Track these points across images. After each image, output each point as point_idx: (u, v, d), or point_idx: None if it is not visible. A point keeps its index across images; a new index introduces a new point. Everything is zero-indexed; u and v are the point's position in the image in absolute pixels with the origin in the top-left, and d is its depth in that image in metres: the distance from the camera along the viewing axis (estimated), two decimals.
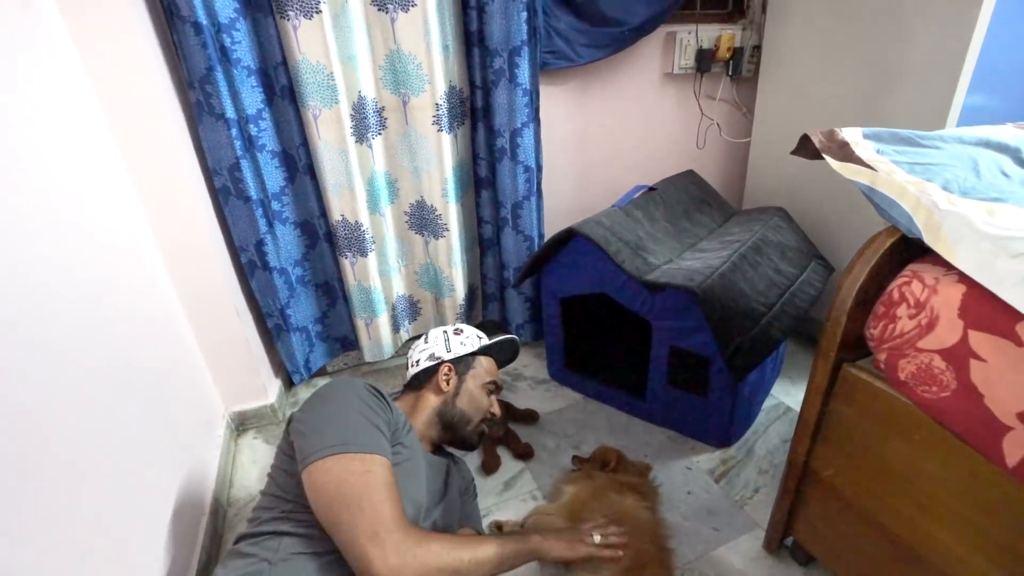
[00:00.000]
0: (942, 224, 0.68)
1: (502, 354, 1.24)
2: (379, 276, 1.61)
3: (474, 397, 1.10)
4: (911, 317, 0.70)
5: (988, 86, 1.20)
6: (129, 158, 1.17)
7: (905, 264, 0.75)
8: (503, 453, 1.35)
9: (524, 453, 1.33)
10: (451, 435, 1.09)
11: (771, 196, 1.71)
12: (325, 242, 1.56)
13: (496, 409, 1.14)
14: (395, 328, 1.73)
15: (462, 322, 1.74)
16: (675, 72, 1.68)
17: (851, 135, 0.82)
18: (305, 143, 1.41)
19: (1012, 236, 0.62)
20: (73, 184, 0.94)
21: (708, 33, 1.64)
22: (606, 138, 1.74)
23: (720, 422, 1.27)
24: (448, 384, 1.10)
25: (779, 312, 1.19)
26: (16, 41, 0.87)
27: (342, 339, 1.73)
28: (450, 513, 1.00)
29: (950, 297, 0.66)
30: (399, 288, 1.70)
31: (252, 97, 1.32)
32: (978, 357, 0.63)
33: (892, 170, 0.76)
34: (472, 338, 1.20)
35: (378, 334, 1.67)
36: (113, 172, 1.13)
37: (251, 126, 1.33)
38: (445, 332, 1.20)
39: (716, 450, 1.31)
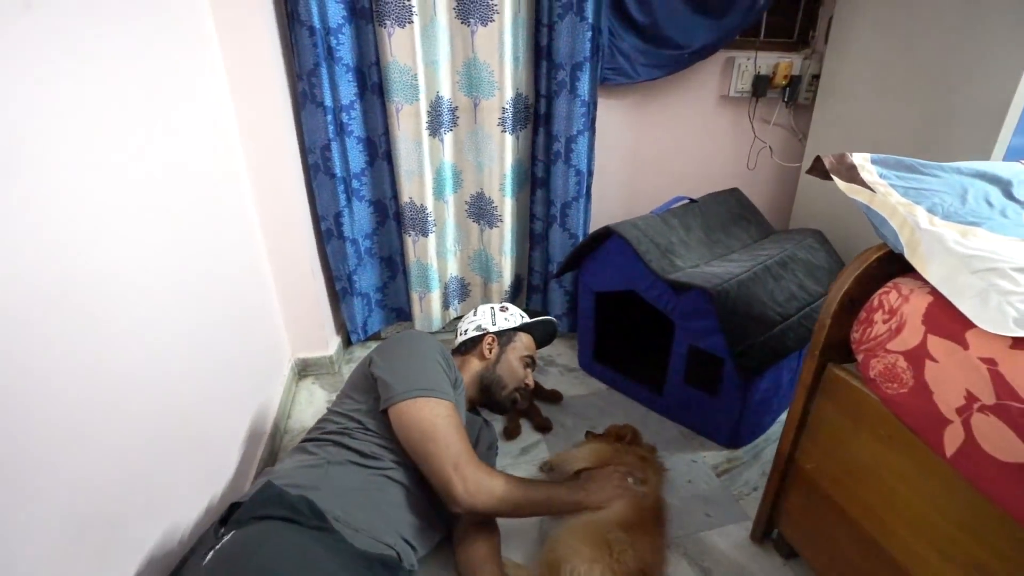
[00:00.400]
0: (921, 241, 0.76)
1: (540, 334, 1.38)
2: (436, 256, 1.80)
3: (512, 366, 1.25)
4: (884, 322, 0.78)
5: None
6: (244, 131, 1.42)
7: (894, 277, 0.83)
8: (525, 425, 1.49)
9: (543, 426, 1.47)
10: (487, 397, 1.24)
11: (817, 221, 1.74)
12: (393, 221, 1.77)
13: (531, 380, 1.29)
14: (445, 305, 1.91)
15: None
16: (731, 95, 1.76)
17: (859, 159, 0.91)
18: (386, 132, 1.63)
19: (976, 255, 0.69)
20: (202, 146, 1.19)
21: (767, 60, 1.71)
22: (658, 151, 1.85)
23: (729, 422, 1.34)
24: (490, 352, 1.26)
25: (796, 324, 1.25)
26: (180, 32, 1.12)
27: (398, 310, 1.93)
28: (488, 460, 1.17)
29: (918, 305, 0.74)
30: (453, 270, 1.89)
31: (347, 90, 1.55)
32: (932, 358, 0.71)
33: (888, 192, 0.84)
34: (515, 316, 1.36)
35: (430, 308, 1.86)
36: (230, 142, 1.38)
37: (343, 114, 1.56)
38: (492, 308, 1.37)
39: (724, 449, 1.38)
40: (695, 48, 1.66)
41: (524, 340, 1.31)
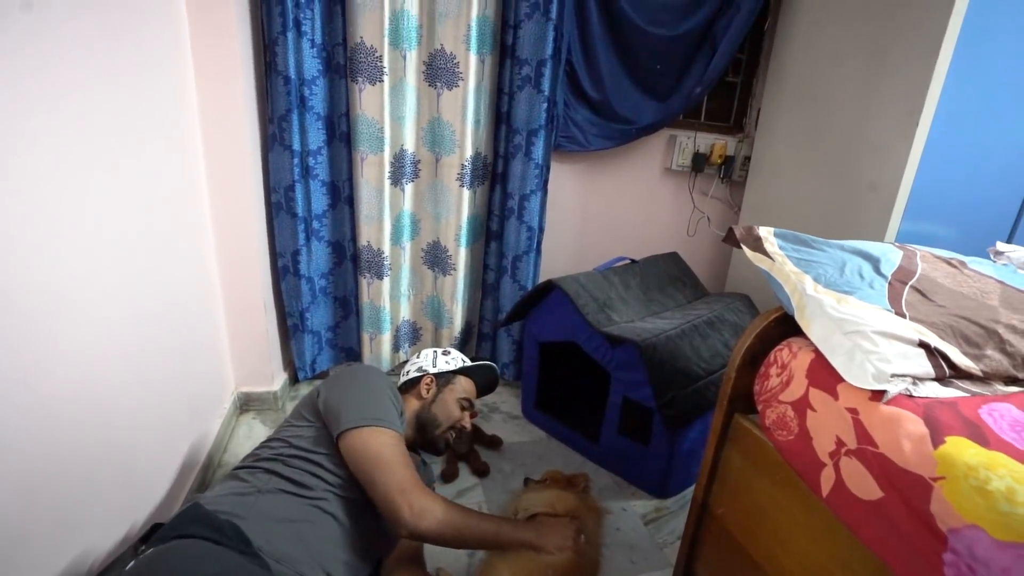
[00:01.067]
0: (806, 305, 0.87)
1: (481, 380, 1.43)
2: (389, 299, 1.85)
3: (447, 407, 1.29)
4: (777, 375, 0.88)
5: (921, 215, 1.40)
6: (210, 165, 1.47)
7: (789, 336, 0.93)
8: (463, 468, 1.51)
9: (481, 471, 1.49)
10: (422, 437, 1.27)
11: (748, 286, 1.90)
12: (350, 262, 1.83)
13: (467, 423, 1.32)
14: (395, 347, 1.94)
15: None
16: (673, 168, 1.95)
17: (764, 232, 1.03)
18: (350, 178, 1.71)
19: (846, 319, 0.80)
20: (165, 175, 1.24)
21: (705, 140, 1.91)
22: (605, 214, 2.00)
23: (658, 471, 1.40)
24: (427, 392, 1.30)
25: (719, 379, 1.35)
26: (161, 71, 1.20)
27: (348, 349, 1.95)
28: None
29: (803, 361, 0.84)
30: (405, 313, 1.93)
31: (316, 136, 1.64)
32: (812, 408, 0.80)
33: (784, 261, 0.96)
34: (456, 360, 1.41)
35: (379, 349, 1.89)
36: (195, 173, 1.43)
37: (310, 158, 1.64)
38: (435, 352, 1.42)
39: (653, 499, 1.43)
40: (642, 124, 1.84)
41: (463, 383, 1.36)
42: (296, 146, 1.59)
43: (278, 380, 1.75)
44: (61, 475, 0.80)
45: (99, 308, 0.92)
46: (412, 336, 1.99)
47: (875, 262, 0.94)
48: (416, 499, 0.94)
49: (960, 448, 0.63)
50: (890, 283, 0.89)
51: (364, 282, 1.80)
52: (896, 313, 0.82)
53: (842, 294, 0.86)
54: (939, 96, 1.34)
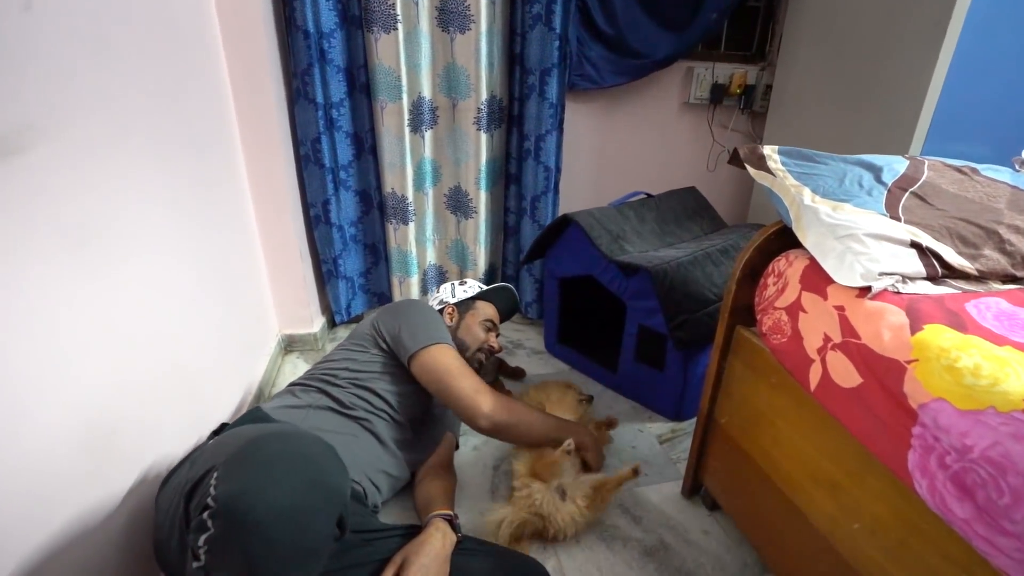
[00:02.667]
0: (803, 215, 0.89)
1: (501, 302, 1.51)
2: (415, 244, 1.94)
3: (472, 330, 1.39)
4: (774, 284, 0.92)
5: (948, 135, 1.36)
6: (242, 123, 1.57)
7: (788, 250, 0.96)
8: None
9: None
10: None
11: (769, 218, 1.88)
12: (377, 210, 1.92)
13: (494, 342, 1.42)
14: (424, 290, 2.05)
15: None
16: (691, 101, 1.92)
17: (768, 151, 1.05)
18: (372, 128, 1.78)
19: (839, 224, 0.83)
20: (202, 134, 1.34)
21: (724, 71, 1.87)
22: (622, 151, 2.00)
23: (673, 395, 1.47)
24: (451, 320, 1.40)
25: None
26: (186, 33, 1.27)
27: (380, 294, 2.07)
28: (447, 418, 1.30)
29: (798, 268, 0.88)
30: (431, 257, 2.02)
31: (337, 89, 1.70)
32: (804, 310, 0.84)
33: (785, 176, 0.98)
34: (473, 287, 1.50)
35: (409, 292, 1.99)
36: (230, 132, 1.53)
37: (333, 111, 1.71)
38: (453, 284, 1.51)
39: (669, 422, 1.51)
40: (658, 58, 1.81)
41: (483, 307, 1.45)
42: (319, 99, 1.66)
43: (317, 323, 1.89)
44: (140, 384, 0.94)
45: (156, 255, 1.04)
46: (439, 279, 2.08)
47: (877, 171, 0.95)
48: (489, 396, 1.11)
49: (936, 333, 0.67)
50: (889, 190, 0.91)
51: (391, 228, 1.89)
52: (891, 217, 0.84)
53: (838, 202, 0.88)
54: (969, 2, 1.27)
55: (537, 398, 1.38)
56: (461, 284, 1.50)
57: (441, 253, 2.05)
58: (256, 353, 1.65)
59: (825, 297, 0.80)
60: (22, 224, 0.70)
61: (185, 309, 1.14)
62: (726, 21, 1.81)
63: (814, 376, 0.81)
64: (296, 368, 1.78)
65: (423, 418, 1.23)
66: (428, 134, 1.82)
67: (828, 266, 0.81)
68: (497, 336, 1.45)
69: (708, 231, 1.73)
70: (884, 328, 0.71)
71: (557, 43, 1.68)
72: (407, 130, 1.76)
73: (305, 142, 1.72)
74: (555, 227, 1.60)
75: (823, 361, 0.79)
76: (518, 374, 1.71)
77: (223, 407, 1.31)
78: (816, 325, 0.81)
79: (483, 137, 1.81)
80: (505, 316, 1.52)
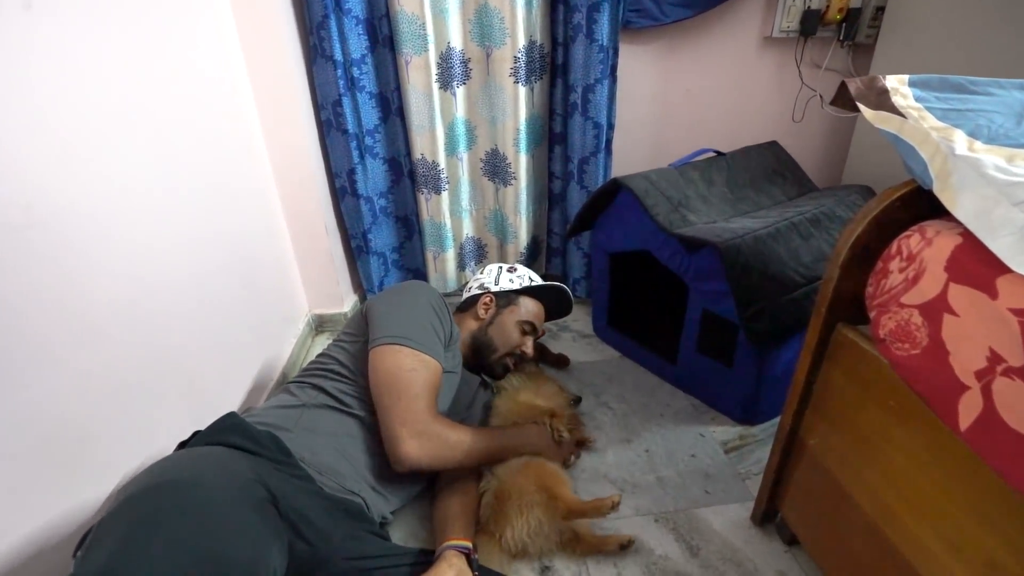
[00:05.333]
0: (952, 171, 0.62)
1: (551, 302, 1.31)
2: (450, 215, 1.76)
3: (506, 330, 1.20)
4: (900, 271, 0.65)
5: None
6: (256, 89, 1.43)
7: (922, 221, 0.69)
8: None
9: None
10: (477, 360, 1.20)
11: (872, 177, 1.54)
12: (408, 179, 1.74)
13: (528, 349, 1.23)
14: (460, 266, 1.88)
15: None
16: (775, 35, 1.57)
17: (893, 82, 0.76)
18: (399, 87, 1.59)
19: (1019, 182, 0.55)
20: (214, 101, 1.22)
21: None
22: (689, 103, 1.69)
23: (743, 395, 1.22)
24: (485, 312, 1.22)
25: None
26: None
27: (414, 270, 1.92)
28: (474, 412, 1.14)
29: (942, 248, 0.61)
30: (468, 230, 1.84)
31: (357, 44, 1.51)
32: (952, 312, 0.58)
33: (923, 116, 0.69)
34: (523, 278, 1.30)
35: (444, 268, 1.83)
36: (244, 101, 1.39)
37: (354, 68, 1.53)
38: (500, 267, 1.32)
39: (738, 426, 1.27)
40: None
41: (528, 305, 1.25)
42: (338, 56, 1.48)
43: (348, 302, 1.77)
44: (126, 383, 0.84)
45: (150, 231, 0.94)
46: (477, 253, 1.90)
47: None
48: (415, 432, 0.88)
49: None
50: None
51: (422, 198, 1.72)
52: None
53: (1017, 149, 0.60)
54: None
55: (525, 393, 1.18)
56: (510, 271, 1.30)
57: (479, 224, 1.85)
58: (283, 335, 1.56)
59: (994, 295, 0.54)
60: None
61: (187, 291, 1.04)
62: None
63: (968, 410, 0.55)
64: None
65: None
66: (460, 91, 1.61)
67: (999, 247, 0.54)
68: (536, 340, 1.26)
69: (793, 195, 1.42)
70: None
71: None
72: (435, 87, 1.56)
73: (326, 105, 1.56)
74: (604, 193, 1.36)
75: (986, 390, 0.53)
76: (561, 362, 1.52)
77: (230, 394, 1.21)
78: (975, 335, 0.55)
79: (522, 91, 1.57)
80: (552, 318, 1.34)
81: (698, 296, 1.23)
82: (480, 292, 1.27)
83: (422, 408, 0.90)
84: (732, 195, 1.34)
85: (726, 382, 1.25)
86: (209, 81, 1.21)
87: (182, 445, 0.79)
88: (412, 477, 0.98)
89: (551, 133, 1.69)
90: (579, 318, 1.78)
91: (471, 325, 1.22)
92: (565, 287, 1.31)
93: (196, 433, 0.80)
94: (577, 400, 1.25)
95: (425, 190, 1.70)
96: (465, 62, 1.58)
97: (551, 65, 1.59)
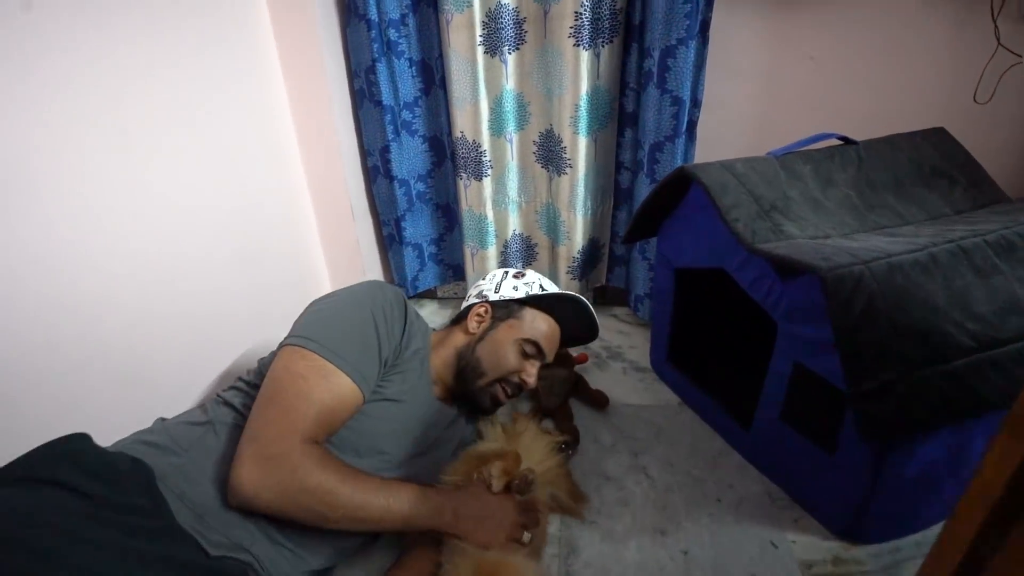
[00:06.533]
0: None
1: (565, 317, 1.02)
2: (492, 206, 1.50)
3: (498, 349, 0.93)
4: None
5: None
6: (283, 51, 1.28)
7: None
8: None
9: (566, 435, 1.10)
10: (461, 386, 0.94)
11: None
12: (450, 162, 1.51)
13: (529, 378, 0.95)
14: (504, 266, 1.61)
15: (577, 280, 1.53)
16: None
17: None
18: (443, 54, 1.36)
19: None
20: (236, 65, 1.14)
21: None
22: (812, 76, 1.25)
23: (848, 499, 0.82)
24: (477, 326, 0.96)
25: (1007, 357, 0.68)
26: None
27: (455, 266, 1.69)
28: (435, 467, 0.86)
29: None
30: (516, 225, 1.56)
31: (396, 1, 1.30)
32: None
33: None
34: (532, 286, 1.02)
35: (484, 267, 1.58)
36: (270, 65, 1.26)
37: (391, 30, 1.32)
38: (506, 272, 1.06)
39: (833, 540, 0.86)
40: None
41: (534, 321, 0.96)
42: (372, 15, 1.28)
43: None
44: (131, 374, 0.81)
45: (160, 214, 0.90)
46: (525, 253, 1.62)
47: None
48: (263, 454, 0.64)
49: None
50: None
51: (461, 184, 1.48)
52: None
53: None
54: None
55: (501, 443, 0.88)
56: (517, 275, 1.04)
57: (528, 220, 1.57)
58: None
59: None
60: None
61: (195, 278, 1.00)
62: None
63: None
64: None
65: (389, 449, 0.81)
66: (511, 58, 1.34)
67: None
68: (540, 368, 0.96)
69: (965, 208, 0.95)
70: None
71: None
72: (479, 51, 1.30)
73: (359, 72, 1.37)
74: (669, 187, 1.01)
75: None
76: (599, 401, 1.19)
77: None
78: None
79: (584, 57, 1.26)
80: (571, 342, 1.03)
81: (790, 342, 0.85)
82: (477, 301, 1.01)
83: (288, 425, 0.66)
84: (861, 201, 0.92)
85: (823, 472, 0.85)
86: (230, 42, 1.12)
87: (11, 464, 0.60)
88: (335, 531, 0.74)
89: (621, 112, 1.36)
90: (637, 344, 1.44)
91: (458, 341, 0.97)
92: (583, 299, 1.00)
93: (39, 449, 0.61)
94: (566, 445, 0.92)
95: (464, 175, 1.46)
96: (519, 23, 1.30)
97: (625, 25, 1.25)
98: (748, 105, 1.31)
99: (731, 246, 0.91)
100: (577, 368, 1.27)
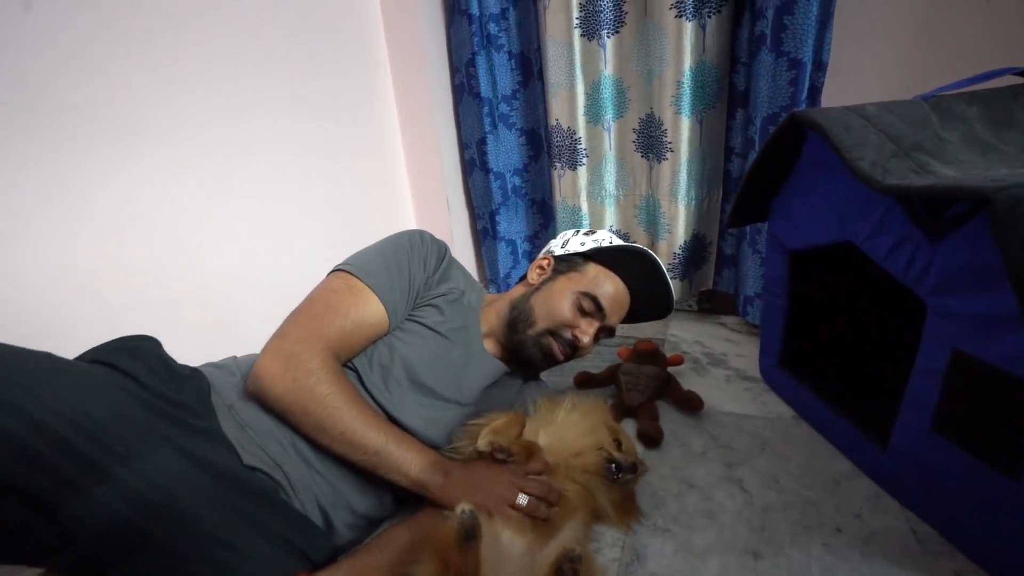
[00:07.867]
0: None
1: (632, 277, 0.91)
2: (587, 197, 1.43)
3: (553, 299, 0.86)
4: None
5: None
6: (391, 48, 1.38)
7: None
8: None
9: (649, 436, 0.95)
10: (511, 335, 0.88)
11: None
12: (548, 155, 1.49)
13: (583, 336, 0.85)
14: None
15: (679, 279, 1.39)
16: None
17: None
18: (541, 46, 1.35)
19: None
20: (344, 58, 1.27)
21: None
22: (984, 24, 1.01)
23: None
24: (538, 277, 0.91)
25: None
26: None
27: None
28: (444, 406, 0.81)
29: None
30: (613, 220, 1.47)
31: None
32: None
33: None
34: (600, 242, 0.95)
35: None
36: (379, 66, 1.37)
37: (491, 24, 1.36)
38: (577, 231, 1.00)
39: None
40: None
41: (596, 275, 0.88)
42: (474, 9, 1.33)
43: None
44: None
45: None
46: None
47: None
48: (285, 350, 0.67)
49: None
50: None
51: (555, 174, 1.44)
52: None
53: None
54: None
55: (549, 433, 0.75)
56: (587, 234, 0.96)
57: (626, 214, 1.47)
58: None
59: None
60: None
61: (300, 276, 1.04)
62: None
63: None
64: None
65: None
66: (610, 42, 1.29)
67: None
68: (602, 331, 0.86)
69: None
70: None
71: None
72: (576, 33, 1.28)
73: (460, 67, 1.42)
74: (780, 145, 0.86)
75: None
76: (691, 403, 1.03)
77: None
78: None
79: (688, 29, 1.17)
80: (642, 314, 0.92)
81: (945, 324, 0.65)
82: (545, 256, 0.96)
83: (314, 331, 0.69)
84: None
85: (1002, 505, 0.62)
86: (340, 35, 1.24)
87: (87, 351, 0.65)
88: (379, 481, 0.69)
89: (732, 91, 1.23)
90: (746, 353, 1.24)
91: (515, 293, 0.91)
92: (651, 253, 0.88)
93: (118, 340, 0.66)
94: (623, 470, 0.71)
95: (559, 164, 1.42)
96: (618, 4, 1.26)
97: None
98: (890, 70, 1.10)
99: (859, 209, 0.74)
100: (670, 370, 1.12)
